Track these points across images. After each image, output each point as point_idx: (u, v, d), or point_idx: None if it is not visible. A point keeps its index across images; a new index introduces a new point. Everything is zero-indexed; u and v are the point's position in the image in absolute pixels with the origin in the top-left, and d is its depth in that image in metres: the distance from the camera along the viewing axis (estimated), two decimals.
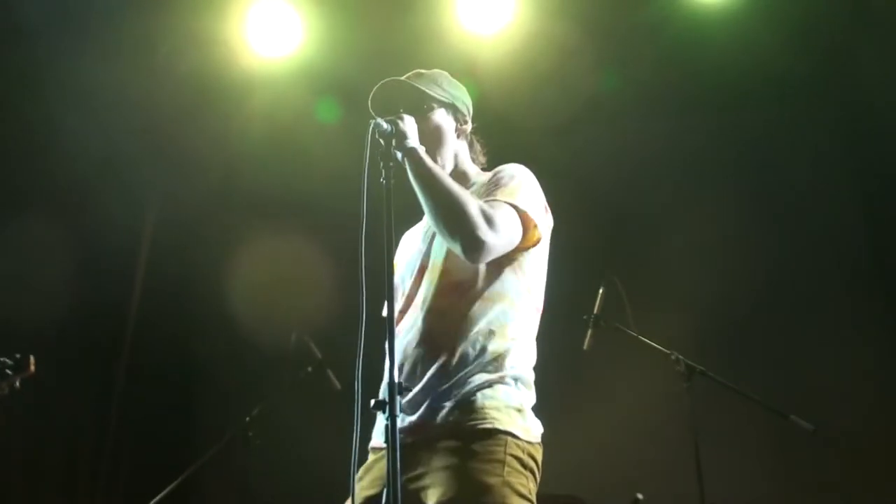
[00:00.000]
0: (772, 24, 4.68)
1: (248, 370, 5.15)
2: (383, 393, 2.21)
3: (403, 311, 2.37)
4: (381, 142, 2.17)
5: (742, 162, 5.08)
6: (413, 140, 2.23)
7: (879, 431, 4.50)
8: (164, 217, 5.30)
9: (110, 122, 4.57)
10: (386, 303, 2.07)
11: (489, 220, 2.17)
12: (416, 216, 2.51)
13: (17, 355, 2.84)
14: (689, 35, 4.74)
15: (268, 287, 5.15)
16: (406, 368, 2.26)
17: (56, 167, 4.54)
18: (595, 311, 3.97)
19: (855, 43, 4.79)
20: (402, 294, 2.40)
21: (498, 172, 2.40)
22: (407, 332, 2.31)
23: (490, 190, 2.32)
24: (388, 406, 1.92)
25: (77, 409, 4.88)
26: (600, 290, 4.00)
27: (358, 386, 1.95)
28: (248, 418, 3.88)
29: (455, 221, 2.17)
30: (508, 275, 2.30)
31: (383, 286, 2.05)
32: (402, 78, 2.49)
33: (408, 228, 2.60)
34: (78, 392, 4.79)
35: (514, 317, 2.28)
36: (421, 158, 2.21)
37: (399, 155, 2.21)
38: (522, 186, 2.33)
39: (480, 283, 2.27)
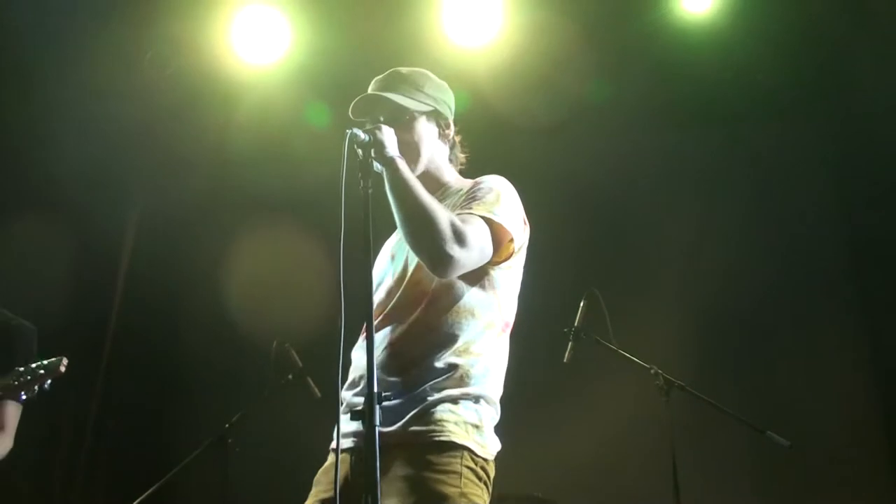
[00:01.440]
0: (762, 36, 4.71)
1: (228, 377, 5.13)
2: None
3: (375, 318, 2.35)
4: (360, 152, 2.15)
5: (729, 175, 5.11)
6: (392, 150, 2.20)
7: (856, 446, 4.53)
8: (148, 222, 5.28)
9: (95, 128, 4.56)
10: (367, 313, 2.05)
11: (458, 235, 2.14)
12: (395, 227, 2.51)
13: (52, 358, 2.99)
14: (680, 47, 4.77)
15: (250, 293, 5.14)
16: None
17: (38, 173, 4.53)
18: (576, 323, 3.99)
19: (850, 55, 4.82)
20: (375, 302, 2.39)
21: (478, 183, 2.38)
22: (376, 341, 2.29)
23: (467, 202, 2.30)
24: (368, 416, 1.93)
25: (54, 413, 4.84)
26: (581, 304, 4.02)
27: (338, 393, 1.94)
28: (227, 425, 3.86)
29: (423, 234, 2.15)
30: (478, 289, 2.29)
31: (363, 296, 2.04)
32: (380, 89, 2.46)
33: (388, 238, 2.58)
34: (55, 395, 4.74)
35: (481, 332, 2.27)
36: (398, 168, 2.18)
37: (377, 165, 2.19)
38: (500, 199, 2.30)
39: (449, 296, 2.26)
